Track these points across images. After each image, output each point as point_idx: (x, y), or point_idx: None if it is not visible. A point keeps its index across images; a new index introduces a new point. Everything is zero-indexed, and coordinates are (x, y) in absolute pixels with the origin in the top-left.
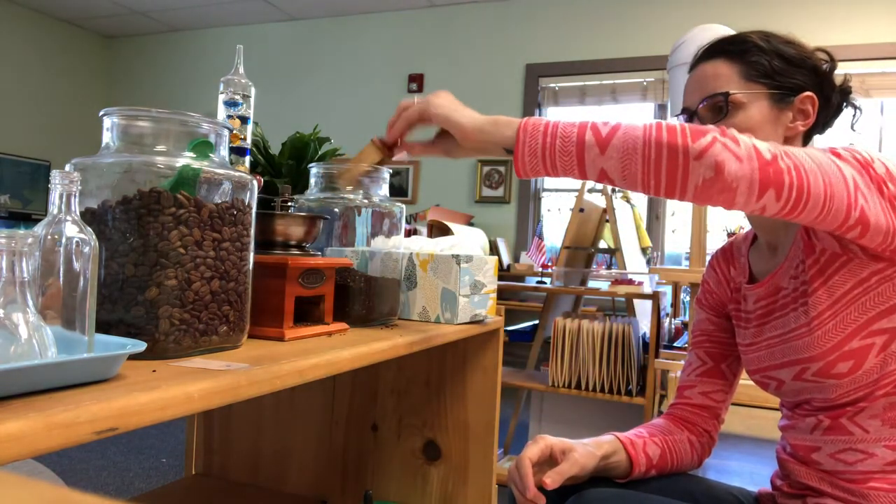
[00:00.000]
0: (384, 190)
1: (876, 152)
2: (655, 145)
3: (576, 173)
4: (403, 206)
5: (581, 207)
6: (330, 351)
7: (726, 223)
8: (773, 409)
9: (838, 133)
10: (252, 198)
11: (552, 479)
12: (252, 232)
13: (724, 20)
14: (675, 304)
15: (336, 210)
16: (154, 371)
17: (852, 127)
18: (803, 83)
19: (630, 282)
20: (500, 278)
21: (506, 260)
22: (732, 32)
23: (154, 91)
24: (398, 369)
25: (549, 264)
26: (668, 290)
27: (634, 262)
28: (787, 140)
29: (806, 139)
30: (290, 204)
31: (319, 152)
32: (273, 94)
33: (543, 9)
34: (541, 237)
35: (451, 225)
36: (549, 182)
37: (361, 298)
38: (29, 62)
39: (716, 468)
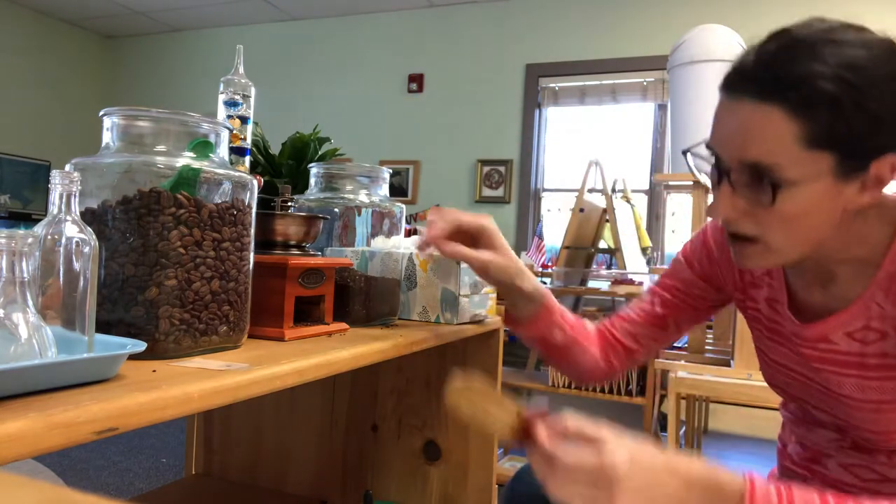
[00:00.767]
0: (384, 190)
1: None
2: None
3: None
4: (403, 206)
5: (581, 207)
6: (330, 351)
7: None
8: (773, 409)
9: None
10: (252, 198)
11: (446, 248)
12: (252, 232)
13: (725, 20)
14: None
15: (336, 210)
16: (154, 371)
17: None
18: (888, 143)
19: (630, 282)
20: None
21: None
22: (736, 35)
23: (154, 91)
24: (398, 369)
25: (549, 264)
26: None
27: (634, 262)
28: (843, 214)
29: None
30: (290, 204)
31: (319, 152)
32: (273, 94)
33: (543, 9)
34: (541, 237)
35: None
36: (549, 181)
37: (361, 298)
38: (29, 62)
39: None
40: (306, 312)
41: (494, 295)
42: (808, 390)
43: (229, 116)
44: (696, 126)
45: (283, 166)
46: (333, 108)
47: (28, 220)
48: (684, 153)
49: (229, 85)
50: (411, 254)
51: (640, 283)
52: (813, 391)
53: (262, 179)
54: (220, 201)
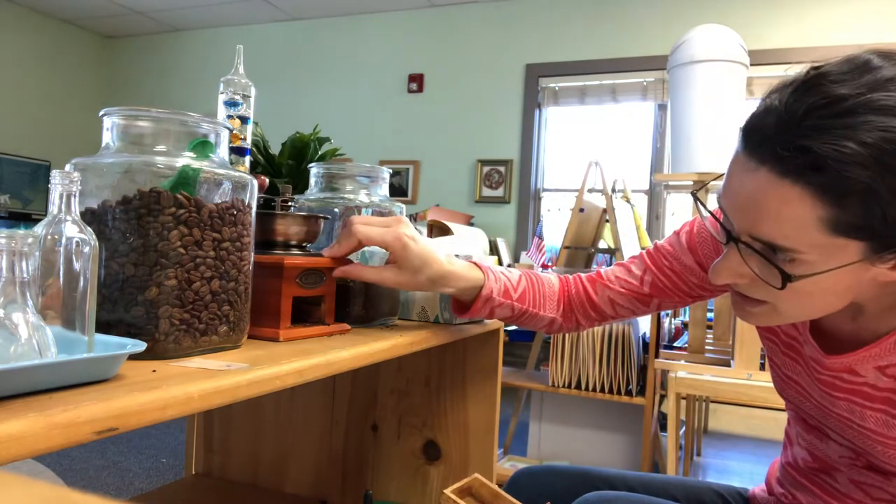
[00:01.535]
0: (384, 190)
1: None
2: None
3: None
4: (403, 206)
5: (581, 207)
6: (330, 351)
7: None
8: (773, 409)
9: None
10: (252, 198)
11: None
12: (252, 232)
13: (725, 20)
14: None
15: (336, 210)
16: (154, 371)
17: None
18: None
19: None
20: None
21: (506, 260)
22: (736, 35)
23: (154, 91)
24: (398, 369)
25: (549, 264)
26: None
27: None
28: (867, 288)
29: None
30: (290, 204)
31: (319, 152)
32: (273, 94)
33: (543, 9)
34: (541, 237)
35: (451, 225)
36: (549, 181)
37: (361, 298)
38: (29, 62)
39: (716, 468)
40: (307, 313)
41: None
42: (825, 415)
43: (229, 116)
44: (696, 126)
45: (283, 166)
46: (333, 108)
47: (28, 220)
48: (693, 195)
49: (229, 85)
50: None
51: None
52: (830, 418)
53: (267, 180)
54: (220, 201)
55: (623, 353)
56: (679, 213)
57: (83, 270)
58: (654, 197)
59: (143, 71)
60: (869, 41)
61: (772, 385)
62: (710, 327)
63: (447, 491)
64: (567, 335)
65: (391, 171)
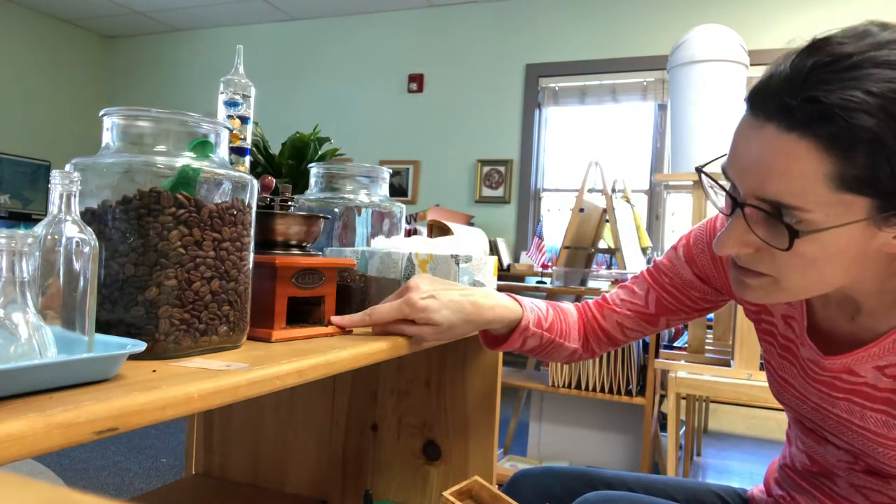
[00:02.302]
0: (384, 190)
1: None
2: None
3: None
4: (403, 206)
5: (581, 207)
6: (330, 351)
7: None
8: (773, 409)
9: None
10: (252, 198)
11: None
12: (252, 232)
13: (725, 20)
14: None
15: (336, 210)
16: (154, 371)
17: None
18: None
19: (623, 283)
20: (500, 278)
21: (506, 260)
22: (736, 35)
23: (154, 91)
24: (398, 369)
25: (549, 264)
26: None
27: (634, 262)
28: (872, 262)
29: None
30: (289, 204)
31: (319, 152)
32: (273, 94)
33: (543, 9)
34: (541, 237)
35: (451, 225)
36: (548, 181)
37: (361, 298)
38: (29, 62)
39: (716, 468)
40: (307, 314)
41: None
42: (822, 417)
43: (229, 116)
44: (696, 126)
45: (283, 166)
46: (333, 108)
47: (28, 220)
48: (699, 170)
49: (229, 85)
50: (411, 254)
51: None
52: (828, 419)
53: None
54: (220, 201)
55: (623, 353)
56: (679, 213)
57: (83, 270)
58: (654, 197)
59: (143, 71)
60: None
61: None
62: (710, 327)
63: (446, 493)
64: None
65: (391, 171)
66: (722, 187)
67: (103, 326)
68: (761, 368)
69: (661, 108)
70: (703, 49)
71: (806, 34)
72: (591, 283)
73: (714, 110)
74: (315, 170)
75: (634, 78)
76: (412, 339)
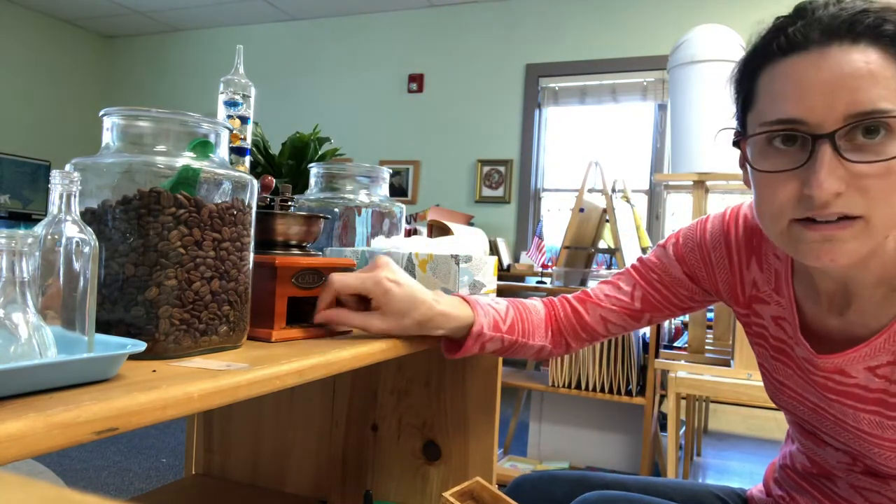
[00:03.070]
0: (384, 190)
1: None
2: None
3: None
4: (403, 206)
5: (581, 207)
6: (330, 351)
7: None
8: (773, 409)
9: None
10: (252, 198)
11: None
12: (252, 232)
13: (725, 20)
14: None
15: (336, 210)
16: (154, 371)
17: None
18: None
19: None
20: (500, 278)
21: (506, 260)
22: (736, 35)
23: (154, 91)
24: (398, 369)
25: (549, 264)
26: None
27: None
28: None
29: None
30: (289, 204)
31: (319, 152)
32: (273, 94)
33: (543, 9)
34: (541, 237)
35: (451, 225)
36: (548, 181)
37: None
38: (29, 62)
39: (715, 468)
40: (307, 314)
41: (494, 295)
42: (819, 418)
43: (229, 116)
44: (696, 126)
45: (283, 166)
46: (333, 108)
47: (28, 220)
48: (736, 144)
49: (229, 85)
50: (410, 254)
51: None
52: (825, 420)
53: (274, 180)
54: (220, 201)
55: (623, 353)
56: (679, 213)
57: (83, 270)
58: (654, 197)
59: (143, 71)
60: None
61: None
62: (709, 327)
63: (446, 494)
64: None
65: (391, 171)
66: (785, 134)
67: (103, 326)
68: None
69: (661, 108)
70: (703, 49)
71: None
72: (591, 283)
73: (714, 110)
74: (315, 170)
75: (634, 78)
76: (358, 328)
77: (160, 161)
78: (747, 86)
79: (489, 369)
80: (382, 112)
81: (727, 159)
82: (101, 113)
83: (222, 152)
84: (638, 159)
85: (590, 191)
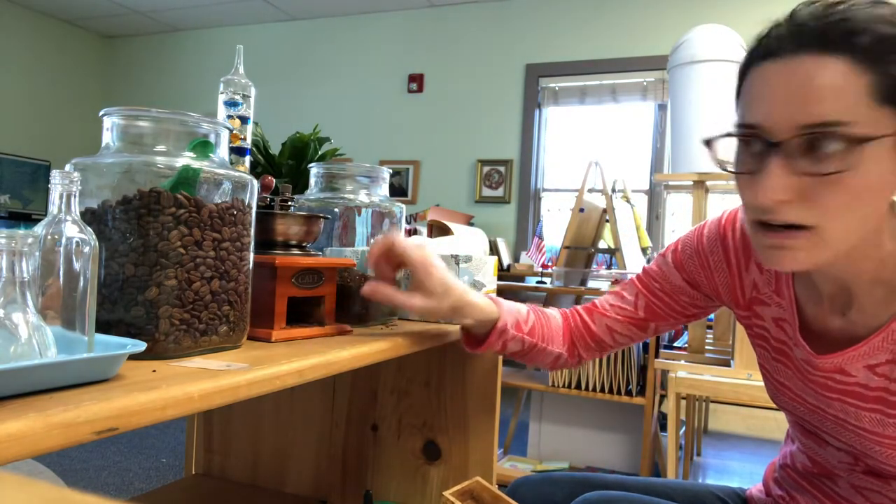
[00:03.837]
0: (384, 190)
1: None
2: None
3: None
4: (403, 206)
5: (581, 207)
6: (330, 351)
7: None
8: (773, 409)
9: None
10: (252, 198)
11: (370, 289)
12: (252, 232)
13: (725, 20)
14: None
15: (336, 210)
16: (154, 371)
17: None
18: None
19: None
20: (500, 278)
21: (506, 260)
22: (736, 35)
23: (154, 91)
24: (398, 369)
25: (549, 264)
26: None
27: (634, 262)
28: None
29: None
30: (289, 204)
31: (319, 152)
32: (273, 94)
33: (543, 9)
34: (541, 237)
35: (451, 225)
36: (549, 181)
37: (361, 298)
38: (29, 62)
39: (715, 468)
40: (306, 314)
41: (494, 294)
42: (820, 418)
43: (229, 116)
44: (696, 126)
45: (283, 166)
46: (333, 108)
47: (28, 220)
48: (707, 143)
49: (229, 85)
50: None
51: None
52: (826, 420)
53: (274, 180)
54: (220, 201)
55: (623, 353)
56: (679, 213)
57: (83, 270)
58: (654, 197)
59: (143, 71)
60: None
61: None
62: (710, 327)
63: (447, 493)
64: None
65: (391, 171)
66: (745, 139)
67: (103, 326)
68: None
69: (661, 108)
70: (703, 49)
71: None
72: (591, 283)
73: (714, 110)
74: (315, 170)
75: (634, 78)
76: (401, 308)
77: (160, 161)
78: (738, 86)
79: (489, 369)
80: (382, 112)
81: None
82: (101, 113)
83: (222, 152)
84: (638, 159)
85: (590, 191)
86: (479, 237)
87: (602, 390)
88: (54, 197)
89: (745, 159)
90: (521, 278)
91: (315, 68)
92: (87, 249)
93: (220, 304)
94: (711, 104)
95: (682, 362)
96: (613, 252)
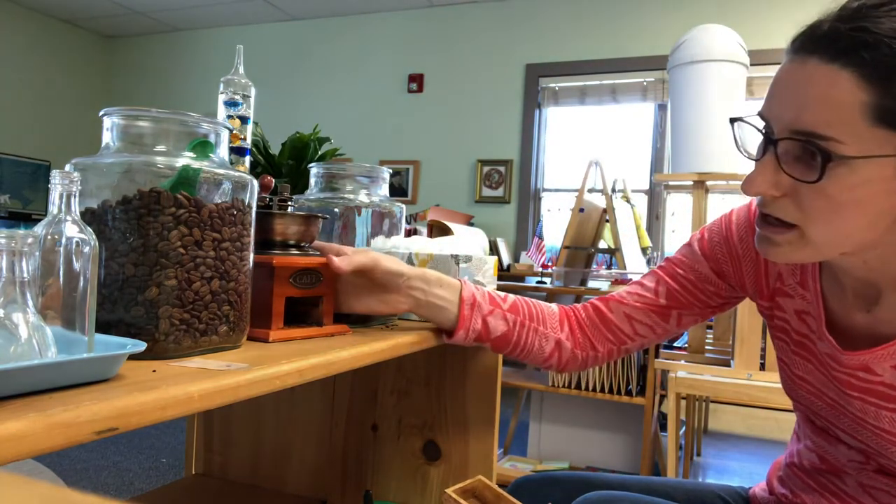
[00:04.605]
0: (384, 190)
1: None
2: None
3: None
4: (403, 206)
5: (581, 207)
6: (330, 351)
7: None
8: (773, 409)
9: None
10: (252, 198)
11: (342, 263)
12: (252, 232)
13: (725, 20)
14: None
15: (336, 210)
16: (154, 371)
17: None
18: None
19: (630, 282)
20: (500, 278)
21: (506, 260)
22: (736, 35)
23: (154, 91)
24: (398, 369)
25: (549, 264)
26: None
27: (634, 262)
28: None
29: None
30: (288, 203)
31: (319, 152)
32: (273, 94)
33: (543, 9)
34: (541, 237)
35: (451, 225)
36: (548, 181)
37: None
38: (29, 62)
39: (715, 468)
40: (305, 314)
41: None
42: (837, 415)
43: (229, 116)
44: (696, 126)
45: (283, 166)
46: (333, 109)
47: (28, 220)
48: (732, 122)
49: (229, 85)
50: (411, 254)
51: None
52: (843, 417)
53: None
54: (220, 201)
55: None
56: (679, 212)
57: (83, 270)
58: (654, 197)
59: (143, 71)
60: None
61: (772, 385)
62: (710, 327)
63: (449, 490)
64: None
65: (391, 171)
66: (759, 130)
67: (103, 326)
68: (761, 368)
69: (661, 108)
70: (703, 49)
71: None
72: (591, 283)
73: (714, 110)
74: (315, 170)
75: (634, 78)
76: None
77: (160, 161)
78: None
79: (489, 369)
80: (382, 112)
81: (727, 160)
82: (101, 113)
83: (222, 152)
84: (638, 159)
85: (590, 191)
86: (479, 237)
87: (602, 390)
88: (54, 197)
89: (760, 145)
90: (521, 278)
91: (315, 68)
92: (87, 249)
93: (220, 304)
94: (711, 104)
95: (682, 362)
96: (613, 252)
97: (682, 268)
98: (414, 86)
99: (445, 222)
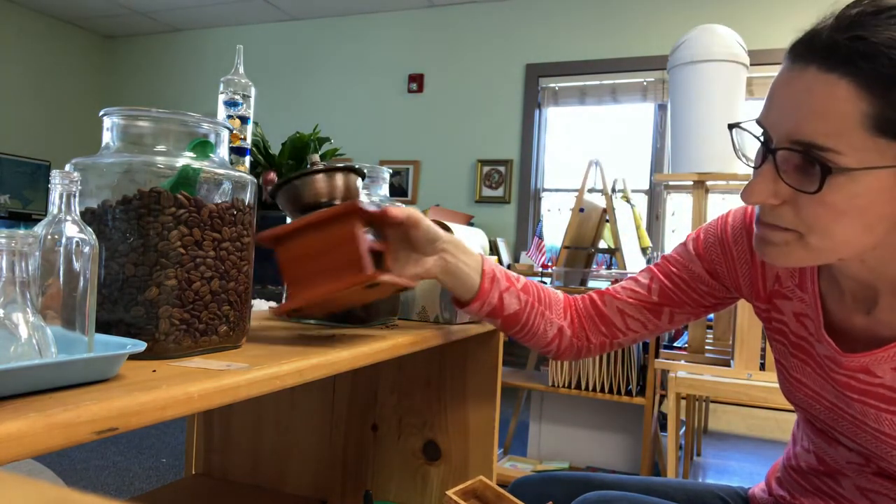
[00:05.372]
0: (384, 190)
1: None
2: None
3: None
4: (403, 206)
5: (581, 207)
6: (330, 351)
7: None
8: (773, 409)
9: None
10: (252, 198)
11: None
12: (252, 232)
13: (725, 20)
14: None
15: None
16: (154, 371)
17: None
18: None
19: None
20: None
21: (506, 260)
22: (736, 35)
23: (154, 91)
24: (398, 369)
25: (549, 264)
26: None
27: (634, 262)
28: None
29: None
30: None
31: (319, 152)
32: (273, 94)
33: (543, 9)
34: (541, 237)
35: (451, 225)
36: (548, 181)
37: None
38: (29, 62)
39: (715, 468)
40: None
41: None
42: (835, 418)
43: (229, 116)
44: (696, 126)
45: (283, 166)
46: (333, 109)
47: (28, 220)
48: (731, 127)
49: (229, 85)
50: None
51: None
52: (842, 420)
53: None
54: (220, 201)
55: (623, 353)
56: (679, 213)
57: (83, 270)
58: (654, 197)
59: (143, 71)
60: None
61: (772, 385)
62: (710, 327)
63: (450, 492)
64: None
65: (391, 171)
66: (756, 137)
67: (103, 326)
68: (761, 368)
69: (661, 108)
70: (703, 49)
71: None
72: (591, 283)
73: (714, 110)
74: None
75: (634, 78)
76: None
77: (160, 161)
78: None
79: (489, 369)
80: (382, 112)
81: (727, 160)
82: (101, 113)
83: (222, 152)
84: (638, 159)
85: (590, 191)
86: (479, 237)
87: (602, 390)
88: (54, 197)
89: (758, 152)
90: None
91: (315, 68)
92: (87, 249)
93: (220, 304)
94: (711, 104)
95: (682, 362)
96: (613, 252)
97: (677, 266)
98: (414, 86)
99: (445, 222)
